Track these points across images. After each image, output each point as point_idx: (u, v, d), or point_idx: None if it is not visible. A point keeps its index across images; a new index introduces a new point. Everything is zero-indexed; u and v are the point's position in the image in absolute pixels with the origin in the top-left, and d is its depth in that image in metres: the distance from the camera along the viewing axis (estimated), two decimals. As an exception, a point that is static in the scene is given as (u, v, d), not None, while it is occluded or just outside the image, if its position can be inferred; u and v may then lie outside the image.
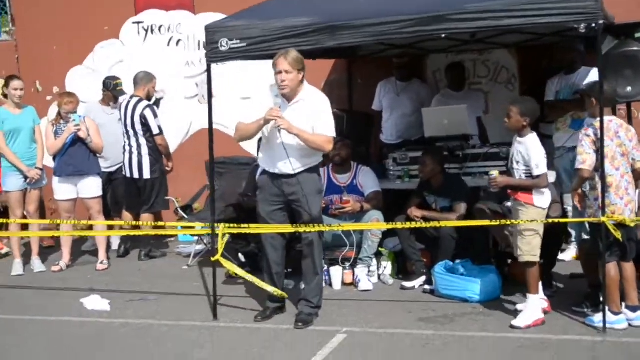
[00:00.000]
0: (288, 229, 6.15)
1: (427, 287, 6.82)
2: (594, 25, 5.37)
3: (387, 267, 7.25)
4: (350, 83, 9.20)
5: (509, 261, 6.80)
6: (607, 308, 5.52)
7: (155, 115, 8.35)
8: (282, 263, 6.33)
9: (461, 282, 6.49)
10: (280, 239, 6.23)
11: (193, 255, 8.39)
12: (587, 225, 5.95)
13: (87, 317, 6.65)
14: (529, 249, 5.67)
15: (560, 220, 6.03)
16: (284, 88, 5.86)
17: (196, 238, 8.69)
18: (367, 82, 9.00)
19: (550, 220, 5.77)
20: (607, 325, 5.49)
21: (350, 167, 7.42)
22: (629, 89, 6.63)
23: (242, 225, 6.36)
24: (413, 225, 6.55)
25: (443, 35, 5.79)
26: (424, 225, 6.55)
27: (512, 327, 5.71)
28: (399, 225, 6.58)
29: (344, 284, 7.12)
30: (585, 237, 6.49)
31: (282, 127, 5.78)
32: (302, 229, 6.04)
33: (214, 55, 6.21)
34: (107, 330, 6.28)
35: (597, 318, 5.59)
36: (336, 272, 7.09)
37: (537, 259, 5.70)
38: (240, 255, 7.79)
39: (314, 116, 5.93)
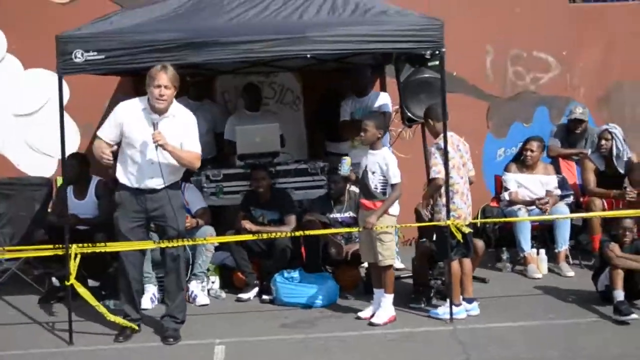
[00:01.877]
0: (149, 244, 6.08)
1: (265, 297, 7.10)
2: (437, 52, 6.17)
3: (216, 281, 7.40)
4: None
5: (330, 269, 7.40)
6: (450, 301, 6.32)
7: None
8: (141, 280, 6.23)
9: (304, 289, 6.88)
10: (140, 256, 6.16)
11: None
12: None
13: None
14: (389, 253, 6.26)
15: (411, 225, 6.72)
16: (161, 103, 5.81)
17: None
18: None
19: (402, 225, 6.45)
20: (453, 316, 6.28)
21: (176, 184, 7.45)
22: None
23: (98, 244, 6.13)
24: (253, 237, 6.86)
25: (308, 55, 6.19)
26: (282, 235, 6.75)
27: (371, 324, 6.26)
28: (248, 237, 6.81)
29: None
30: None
31: (160, 142, 5.74)
32: (164, 244, 6.02)
33: (66, 67, 5.95)
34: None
35: (441, 310, 6.36)
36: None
37: (394, 261, 6.33)
38: (54, 279, 7.35)
39: (183, 133, 5.96)
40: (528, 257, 7.74)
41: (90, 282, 7.16)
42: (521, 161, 8.06)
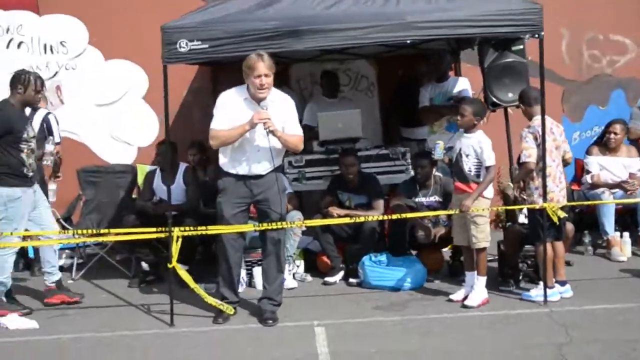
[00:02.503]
0: (249, 228, 6.20)
1: (352, 280, 7.19)
2: (536, 35, 6.17)
3: (300, 265, 7.50)
4: (215, 90, 9.19)
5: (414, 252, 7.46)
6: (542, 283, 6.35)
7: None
8: (241, 264, 6.37)
9: (393, 272, 6.96)
10: (242, 241, 6.29)
11: (75, 268, 7.89)
12: (525, 212, 6.72)
13: (20, 336, 6.06)
14: (484, 236, 6.30)
15: (507, 207, 6.74)
16: (263, 92, 5.91)
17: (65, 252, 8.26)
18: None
19: (496, 208, 6.48)
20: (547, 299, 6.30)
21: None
22: (510, 94, 7.52)
23: (200, 228, 6.26)
24: (345, 221, 6.93)
25: (408, 41, 6.24)
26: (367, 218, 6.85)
27: (464, 306, 6.31)
28: (341, 220, 6.92)
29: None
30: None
31: (271, 128, 5.84)
32: (263, 228, 6.13)
33: (172, 56, 6.06)
34: (58, 346, 5.83)
35: (534, 293, 6.39)
36: (258, 272, 7.18)
37: (488, 244, 6.37)
38: (143, 264, 7.52)
39: (285, 116, 6.06)
40: (612, 240, 7.73)
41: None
42: (603, 144, 8.04)
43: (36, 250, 7.91)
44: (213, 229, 6.19)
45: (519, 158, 6.99)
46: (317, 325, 6.01)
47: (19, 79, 6.51)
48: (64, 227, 7.95)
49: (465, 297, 6.39)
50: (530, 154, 6.22)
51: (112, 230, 6.68)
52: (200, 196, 7.82)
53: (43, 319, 6.40)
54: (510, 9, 6.10)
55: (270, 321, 6.09)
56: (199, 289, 6.21)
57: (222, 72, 9.07)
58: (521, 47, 7.91)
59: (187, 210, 7.54)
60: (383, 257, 7.12)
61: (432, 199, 7.44)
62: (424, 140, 8.67)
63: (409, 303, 6.55)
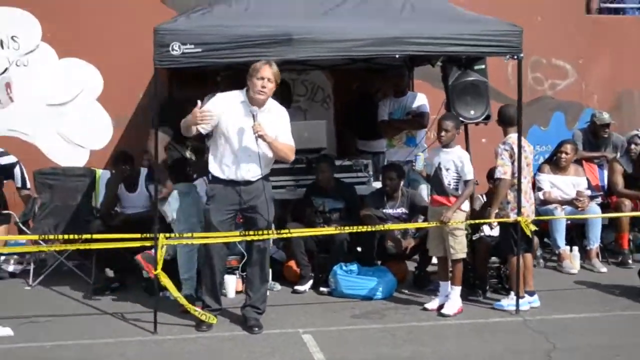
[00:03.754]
0: (236, 236, 6.20)
1: (323, 289, 7.28)
2: (515, 57, 6.46)
3: (269, 273, 7.51)
4: (170, 95, 9.04)
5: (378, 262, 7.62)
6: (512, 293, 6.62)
7: None
8: (224, 272, 6.38)
9: (365, 281, 7.08)
10: (225, 249, 6.30)
11: (32, 274, 7.62)
12: (494, 225, 6.98)
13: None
14: (461, 247, 6.53)
15: (483, 221, 6.96)
16: (262, 94, 5.94)
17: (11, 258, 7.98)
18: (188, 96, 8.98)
19: (472, 221, 6.71)
20: (514, 307, 6.57)
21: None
22: (472, 112, 7.78)
23: (185, 235, 6.21)
24: (326, 231, 7.03)
25: (397, 56, 6.41)
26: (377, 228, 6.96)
27: (441, 315, 6.51)
28: (322, 231, 7.00)
29: (236, 291, 7.22)
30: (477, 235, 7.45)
31: (260, 133, 5.87)
32: (250, 237, 6.13)
33: (163, 59, 5.98)
34: (42, 354, 5.65)
35: (505, 302, 6.66)
36: (231, 280, 7.16)
37: (464, 255, 6.59)
38: (107, 270, 7.35)
39: (278, 126, 6.11)
40: (563, 253, 8.12)
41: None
42: (554, 163, 8.44)
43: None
44: (200, 237, 6.15)
45: (489, 173, 7.29)
46: (302, 332, 6.06)
47: None
48: (21, 232, 7.70)
49: (441, 306, 6.58)
50: (505, 170, 6.49)
51: (96, 236, 6.47)
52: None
53: (13, 326, 6.15)
54: (494, 30, 6.38)
55: (256, 329, 6.09)
56: (182, 298, 6.15)
57: (176, 77, 9.02)
58: (482, 66, 8.17)
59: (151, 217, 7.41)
60: (354, 267, 7.24)
61: (399, 210, 7.62)
62: (381, 153, 8.88)
63: (385, 312, 6.68)
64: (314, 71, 9.38)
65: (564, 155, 8.34)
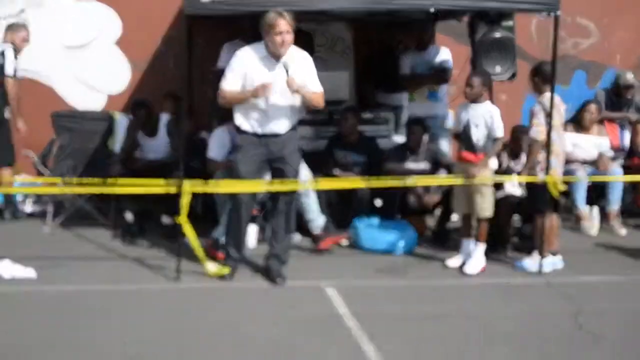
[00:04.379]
0: (264, 186, 6.13)
1: (344, 241, 7.24)
2: (552, 14, 6.33)
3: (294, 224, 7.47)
4: (190, 41, 8.91)
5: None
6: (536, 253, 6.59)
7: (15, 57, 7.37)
8: (248, 221, 6.32)
9: (386, 235, 7.04)
10: (254, 198, 6.22)
11: (52, 216, 7.57)
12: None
13: (20, 285, 5.81)
14: (488, 205, 6.48)
15: (510, 178, 6.88)
16: (284, 48, 5.81)
17: (28, 198, 7.94)
18: (208, 42, 8.87)
19: (497, 179, 6.63)
20: (537, 268, 6.54)
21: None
22: (497, 68, 7.70)
23: (211, 182, 6.14)
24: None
25: (432, 10, 6.29)
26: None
27: (464, 273, 6.48)
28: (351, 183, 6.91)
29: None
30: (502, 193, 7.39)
31: (295, 87, 5.76)
32: (275, 188, 6.07)
33: (193, 6, 5.84)
34: (63, 298, 5.62)
35: (528, 262, 6.62)
36: (252, 229, 7.09)
37: (491, 213, 6.53)
38: (127, 214, 7.30)
39: (304, 74, 5.99)
40: (582, 214, 8.06)
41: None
42: (577, 122, 8.34)
43: (5, 196, 7.59)
44: (226, 186, 6.09)
45: (514, 130, 7.21)
46: (325, 286, 6.03)
47: None
48: (40, 173, 7.63)
49: (463, 264, 6.55)
50: (542, 130, 6.40)
51: (121, 181, 6.38)
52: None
53: (37, 268, 6.12)
54: (530, -15, 6.24)
55: (279, 279, 6.06)
56: (200, 250, 6.09)
57: (198, 25, 8.86)
58: (511, 23, 8.07)
59: (171, 163, 7.36)
60: (375, 221, 7.19)
61: (421, 165, 7.55)
62: (400, 107, 8.77)
63: (407, 268, 6.64)
64: (334, 23, 9.19)
65: (588, 115, 8.24)
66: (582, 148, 8.28)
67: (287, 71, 5.80)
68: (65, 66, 8.71)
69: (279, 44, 5.77)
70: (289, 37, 5.80)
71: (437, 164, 7.58)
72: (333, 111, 7.90)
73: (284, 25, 5.74)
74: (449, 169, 7.54)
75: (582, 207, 8.09)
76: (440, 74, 8.32)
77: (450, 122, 6.76)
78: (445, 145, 8.42)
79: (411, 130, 7.53)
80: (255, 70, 5.87)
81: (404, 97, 8.71)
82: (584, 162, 8.19)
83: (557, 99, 6.57)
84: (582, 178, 7.90)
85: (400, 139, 8.31)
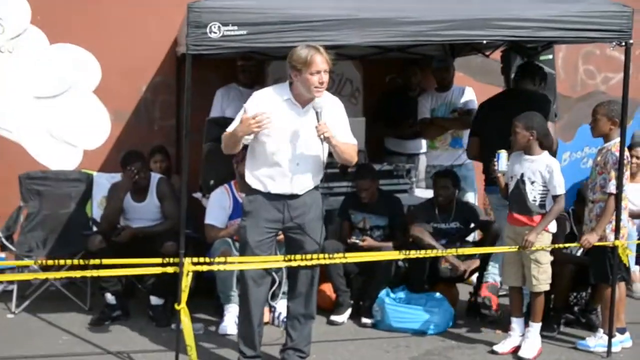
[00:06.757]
0: (279, 260, 5.03)
1: (366, 320, 6.15)
2: (623, 44, 5.36)
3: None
4: (179, 87, 7.88)
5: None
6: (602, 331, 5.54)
7: None
8: (264, 305, 5.20)
9: (418, 312, 5.97)
10: (267, 277, 5.09)
11: (15, 298, 6.41)
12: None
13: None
14: (545, 277, 5.45)
15: (569, 245, 5.82)
16: (320, 91, 4.77)
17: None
18: (199, 87, 7.82)
19: (558, 246, 5.58)
20: (604, 348, 5.49)
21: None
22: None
23: (216, 260, 5.04)
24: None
25: (484, 42, 5.32)
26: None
27: (519, 358, 5.41)
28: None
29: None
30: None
31: (326, 134, 4.72)
32: (295, 263, 4.97)
33: (199, 43, 4.81)
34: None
35: (592, 342, 5.59)
36: (261, 311, 5.99)
37: (548, 287, 5.48)
38: (108, 295, 6.15)
39: (336, 122, 4.96)
40: (633, 275, 7.02)
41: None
42: (621, 169, 7.33)
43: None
44: (234, 262, 4.99)
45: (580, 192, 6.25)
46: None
47: None
48: (4, 248, 6.49)
49: (517, 348, 5.48)
50: (618, 183, 5.38)
51: (105, 261, 5.19)
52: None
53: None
54: (601, 11, 5.28)
55: (302, 380, 4.94)
56: (192, 349, 4.88)
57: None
58: (550, 56, 7.25)
59: (162, 232, 6.27)
60: (402, 294, 6.14)
61: (453, 224, 6.50)
62: (416, 155, 7.79)
63: (448, 352, 5.57)
64: (342, 61, 8.19)
65: (635, 159, 7.21)
66: (629, 200, 7.25)
67: (318, 115, 4.76)
68: (35, 119, 7.57)
69: (316, 85, 4.73)
70: (326, 78, 4.76)
71: (470, 222, 6.54)
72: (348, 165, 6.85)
73: (322, 63, 4.72)
74: (484, 228, 6.54)
75: (633, 266, 7.03)
76: (466, 117, 7.31)
77: (502, 166, 5.60)
78: (472, 198, 7.42)
79: (440, 184, 6.46)
80: (274, 116, 4.81)
81: (420, 144, 7.78)
82: (634, 215, 7.15)
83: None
84: (634, 234, 6.86)
85: (421, 192, 7.29)
